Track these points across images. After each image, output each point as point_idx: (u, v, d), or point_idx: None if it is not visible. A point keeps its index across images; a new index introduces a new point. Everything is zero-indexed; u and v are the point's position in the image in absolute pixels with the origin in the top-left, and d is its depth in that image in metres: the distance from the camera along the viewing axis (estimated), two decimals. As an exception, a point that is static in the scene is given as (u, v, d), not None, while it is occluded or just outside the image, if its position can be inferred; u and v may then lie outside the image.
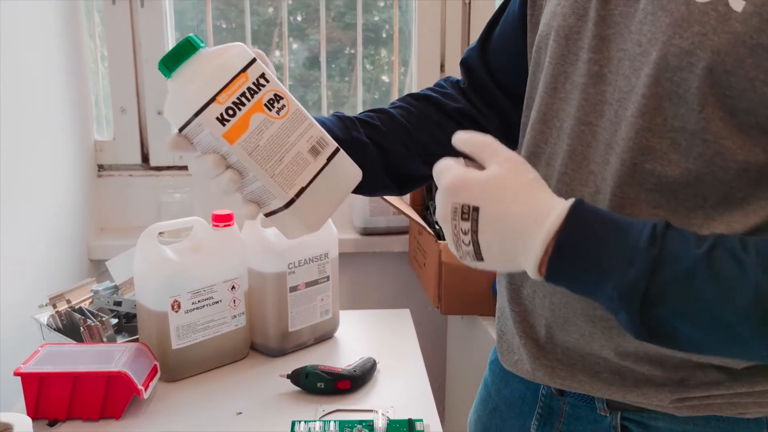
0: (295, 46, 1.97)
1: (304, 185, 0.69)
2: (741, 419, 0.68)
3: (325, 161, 0.70)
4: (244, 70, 0.67)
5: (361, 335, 1.38)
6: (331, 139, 0.72)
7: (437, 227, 1.60)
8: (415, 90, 1.82)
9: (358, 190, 0.79)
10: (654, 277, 0.55)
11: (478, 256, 0.61)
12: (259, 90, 0.68)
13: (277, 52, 1.95)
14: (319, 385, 1.12)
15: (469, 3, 1.87)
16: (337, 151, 0.72)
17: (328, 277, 1.31)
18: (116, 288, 1.35)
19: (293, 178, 0.68)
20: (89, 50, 1.83)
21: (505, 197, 0.59)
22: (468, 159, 0.63)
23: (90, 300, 1.30)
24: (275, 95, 0.69)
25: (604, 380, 0.71)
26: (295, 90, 1.97)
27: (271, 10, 1.94)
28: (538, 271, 0.59)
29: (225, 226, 1.21)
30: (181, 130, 0.68)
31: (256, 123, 0.67)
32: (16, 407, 1.08)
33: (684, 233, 0.57)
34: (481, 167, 0.62)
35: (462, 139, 0.64)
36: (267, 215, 0.72)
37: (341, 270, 1.35)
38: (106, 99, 1.87)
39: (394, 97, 2.00)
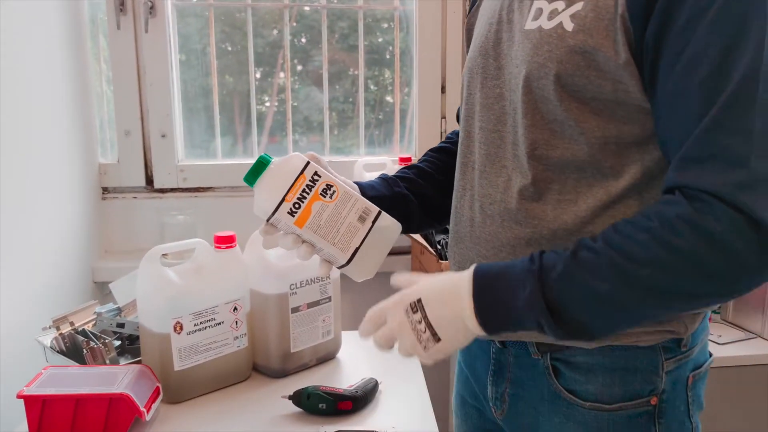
0: (299, 68, 1.99)
1: (357, 246, 0.91)
2: (638, 347, 0.85)
3: (371, 224, 0.92)
4: (302, 172, 0.90)
5: (363, 356, 1.38)
6: (373, 206, 0.93)
7: (439, 247, 1.60)
8: (416, 110, 1.84)
9: (406, 231, 1.03)
10: (544, 284, 0.75)
11: (436, 336, 0.80)
12: (314, 184, 0.90)
13: (281, 74, 1.97)
14: (320, 406, 1.12)
15: (470, 24, 1.89)
16: (379, 213, 0.93)
17: (329, 298, 1.31)
18: (119, 310, 1.35)
19: (349, 242, 0.91)
20: (94, 74, 1.85)
21: (432, 283, 0.82)
22: None
23: (93, 322, 1.31)
24: (327, 185, 0.91)
25: None
26: (300, 111, 1.99)
27: (275, 32, 1.97)
28: (479, 326, 0.79)
29: (227, 247, 1.22)
30: (267, 220, 0.91)
31: (316, 209, 0.90)
32: (19, 430, 1.08)
33: (553, 250, 0.78)
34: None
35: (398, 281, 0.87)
36: (339, 268, 0.94)
37: (343, 290, 1.36)
38: (110, 122, 1.89)
39: (397, 117, 2.01)
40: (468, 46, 1.03)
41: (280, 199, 0.88)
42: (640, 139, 0.80)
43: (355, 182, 1.02)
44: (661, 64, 0.74)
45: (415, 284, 0.84)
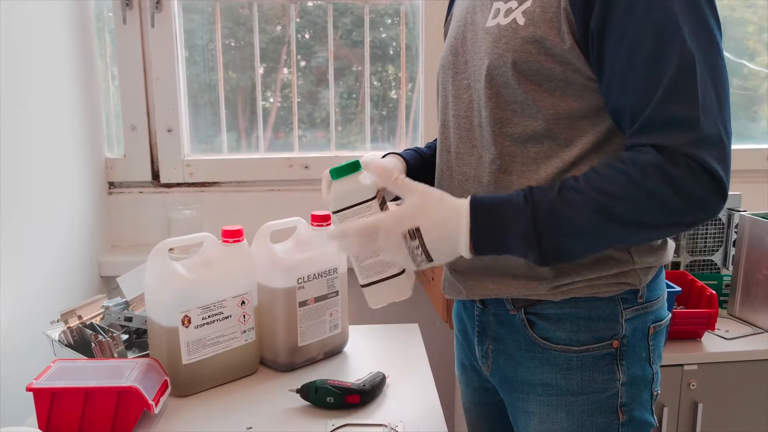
0: (303, 63, 1.99)
1: (372, 282, 0.99)
2: (599, 298, 0.97)
3: (394, 274, 1.00)
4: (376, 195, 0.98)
5: (370, 350, 1.38)
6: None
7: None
8: (422, 105, 1.83)
9: None
10: (536, 218, 0.87)
11: (429, 258, 0.91)
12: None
13: (285, 70, 1.97)
14: (328, 399, 1.12)
15: (476, 19, 1.89)
16: (402, 272, 1.00)
17: (337, 292, 1.31)
18: (127, 304, 1.35)
19: (376, 272, 0.99)
20: (100, 69, 1.85)
21: (431, 213, 0.91)
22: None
23: (101, 316, 1.31)
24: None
25: (506, 284, 1.00)
26: (303, 107, 1.99)
27: (279, 28, 1.96)
28: (470, 251, 0.90)
29: (234, 241, 1.22)
30: (337, 212, 0.96)
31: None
32: (29, 422, 1.08)
33: (541, 187, 0.89)
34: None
35: (370, 167, 0.98)
36: (370, 284, 0.99)
37: (350, 285, 1.36)
38: (116, 117, 1.89)
39: (402, 112, 2.01)
40: None
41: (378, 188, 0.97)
42: (588, 113, 0.93)
43: (402, 153, 1.14)
44: (606, 48, 0.87)
45: (409, 212, 0.91)
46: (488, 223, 0.89)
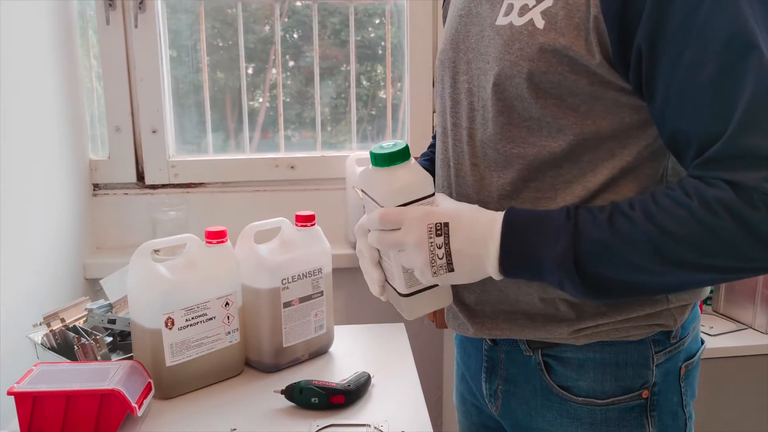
0: (291, 63, 1.98)
1: (421, 289, 0.88)
2: (627, 342, 0.86)
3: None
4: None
5: (356, 350, 1.38)
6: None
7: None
8: (408, 104, 1.83)
9: None
10: (577, 243, 0.74)
11: (450, 266, 0.79)
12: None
13: (274, 70, 1.96)
14: (313, 400, 1.12)
15: (461, 19, 1.88)
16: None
17: (322, 292, 1.31)
18: (110, 306, 1.35)
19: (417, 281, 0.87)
20: (84, 70, 1.84)
21: (464, 214, 0.80)
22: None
23: (84, 318, 1.30)
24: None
25: (520, 324, 0.88)
26: (292, 107, 1.99)
27: (267, 28, 1.96)
28: (498, 270, 0.78)
29: (218, 242, 1.22)
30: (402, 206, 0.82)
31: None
32: (10, 427, 1.08)
33: (588, 208, 0.76)
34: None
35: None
36: (414, 293, 0.86)
37: (335, 285, 1.36)
38: (101, 118, 1.88)
39: (389, 112, 2.01)
40: None
41: (432, 191, 0.84)
42: (618, 132, 0.79)
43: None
44: (660, 68, 0.72)
45: (442, 208, 0.81)
46: (521, 237, 0.77)
